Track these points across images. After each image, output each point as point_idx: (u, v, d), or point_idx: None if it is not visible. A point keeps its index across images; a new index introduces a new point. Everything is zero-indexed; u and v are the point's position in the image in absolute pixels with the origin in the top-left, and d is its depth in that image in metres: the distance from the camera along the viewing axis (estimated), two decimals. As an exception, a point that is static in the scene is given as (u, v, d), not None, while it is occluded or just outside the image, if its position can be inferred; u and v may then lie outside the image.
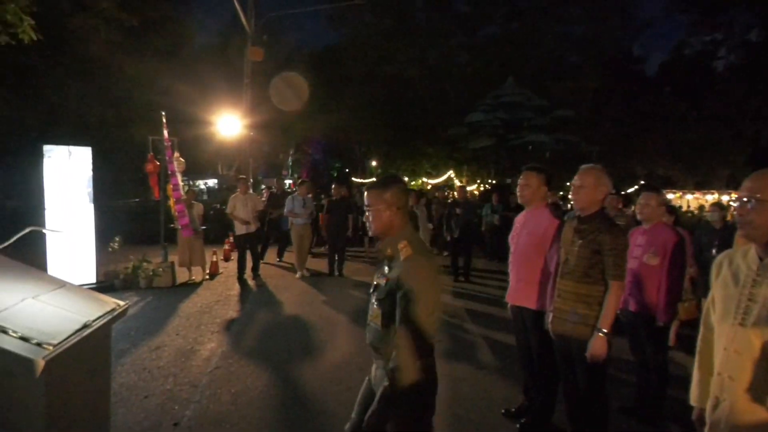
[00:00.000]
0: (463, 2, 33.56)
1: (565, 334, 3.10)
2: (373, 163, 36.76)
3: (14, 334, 1.80)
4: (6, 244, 2.29)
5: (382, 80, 30.00)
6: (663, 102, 29.73)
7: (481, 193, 25.76)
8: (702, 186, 29.51)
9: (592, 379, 3.04)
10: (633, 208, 6.40)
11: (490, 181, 28.35)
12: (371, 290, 2.27)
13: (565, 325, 3.09)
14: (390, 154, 33.74)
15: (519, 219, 3.88)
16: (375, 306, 2.19)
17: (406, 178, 32.15)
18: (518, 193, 3.81)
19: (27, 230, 2.36)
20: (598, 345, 2.89)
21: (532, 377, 3.73)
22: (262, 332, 6.14)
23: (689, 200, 26.25)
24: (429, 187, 28.69)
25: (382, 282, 2.16)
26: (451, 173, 31.02)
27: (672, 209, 5.74)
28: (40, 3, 8.74)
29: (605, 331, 2.89)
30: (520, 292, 3.71)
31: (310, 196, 10.25)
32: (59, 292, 2.37)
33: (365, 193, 2.27)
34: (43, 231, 4.21)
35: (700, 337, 2.00)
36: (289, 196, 9.82)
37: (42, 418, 1.81)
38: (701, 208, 22.56)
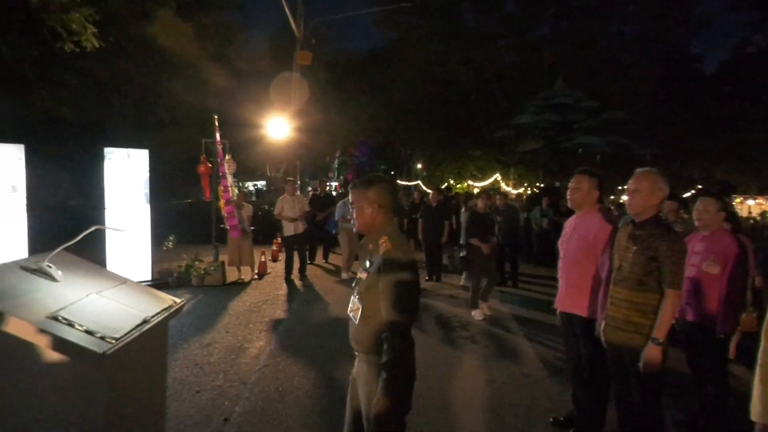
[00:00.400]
0: (512, 2, 33.10)
1: (618, 343, 3.01)
2: (419, 166, 36.71)
3: (80, 328, 1.90)
4: (72, 242, 2.40)
5: (429, 82, 29.95)
6: (723, 102, 28.44)
7: (529, 197, 25.32)
8: (766, 191, 28.03)
9: (646, 391, 2.93)
10: (684, 212, 6.11)
11: (538, 184, 27.83)
12: (353, 284, 2.35)
13: (619, 333, 2.99)
14: (435, 156, 33.60)
15: (569, 223, 3.80)
16: (356, 300, 2.26)
17: (452, 181, 31.98)
18: (568, 197, 3.73)
19: (92, 229, 2.47)
20: (652, 355, 2.79)
21: (582, 386, 3.64)
22: (308, 332, 6.22)
23: (751, 206, 24.98)
24: (475, 190, 28.39)
25: (363, 276, 2.25)
26: (497, 176, 30.60)
27: (731, 215, 5.49)
28: (102, 11, 9.19)
29: (661, 340, 2.79)
30: (570, 299, 3.63)
31: None
32: (121, 288, 2.48)
33: (350, 191, 2.37)
34: (107, 229, 4.39)
35: (761, 349, 1.90)
36: (341, 201, 9.75)
37: (104, 408, 1.89)
38: (764, 214, 21.46)
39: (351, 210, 2.33)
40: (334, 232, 10.14)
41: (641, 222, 3.00)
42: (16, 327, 1.80)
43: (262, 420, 3.84)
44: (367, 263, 2.26)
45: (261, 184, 27.35)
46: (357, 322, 2.22)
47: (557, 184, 24.57)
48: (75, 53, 8.84)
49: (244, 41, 25.00)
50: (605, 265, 3.32)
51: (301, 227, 9.19)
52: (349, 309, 2.31)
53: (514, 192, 26.47)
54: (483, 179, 31.09)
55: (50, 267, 2.26)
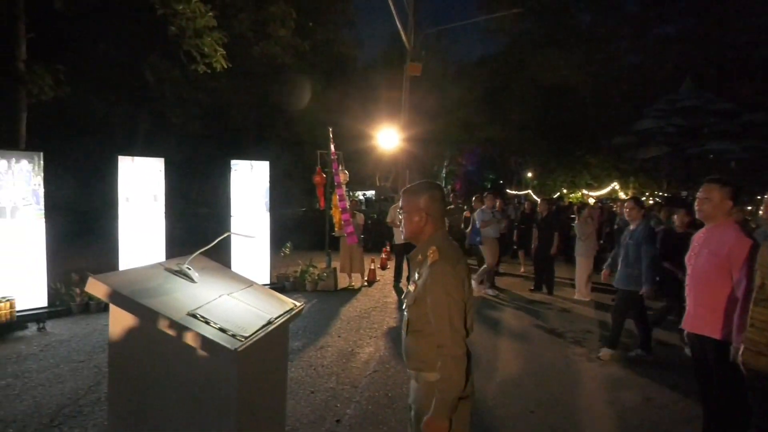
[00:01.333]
0: (633, 2, 31.23)
1: (763, 369, 2.72)
2: (529, 174, 35.69)
3: (215, 325, 2.08)
4: (207, 246, 2.64)
5: (541, 88, 29.08)
6: None
7: (650, 207, 23.58)
8: None
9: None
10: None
11: (660, 193, 25.89)
12: (402, 296, 2.24)
13: (762, 359, 2.70)
14: (547, 164, 32.49)
15: (698, 237, 3.51)
16: (405, 313, 2.17)
17: (564, 190, 30.71)
18: (696, 208, 3.44)
19: (225, 235, 2.70)
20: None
21: (715, 416, 3.33)
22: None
23: None
24: (591, 200, 27.00)
25: (412, 288, 2.13)
26: (615, 185, 28.89)
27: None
28: (229, 35, 9.98)
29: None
30: (699, 319, 3.35)
31: (497, 207, 9.86)
32: (248, 290, 2.68)
33: (401, 196, 2.26)
34: (238, 235, 4.75)
35: None
36: (479, 209, 9.41)
37: (234, 399, 2.05)
38: None
39: (399, 216, 2.25)
40: (478, 239, 9.37)
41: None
42: (162, 322, 2.01)
43: (373, 424, 3.93)
44: (416, 275, 2.15)
45: (370, 193, 28.06)
46: (406, 336, 2.14)
47: (684, 193, 22.72)
48: (206, 74, 9.67)
49: (356, 55, 25.90)
50: (742, 283, 3.03)
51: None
52: (402, 324, 2.22)
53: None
54: (599, 188, 29.53)
55: (189, 269, 2.50)
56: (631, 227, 5.55)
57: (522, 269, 11.56)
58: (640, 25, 29.35)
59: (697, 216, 3.58)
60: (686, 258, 3.54)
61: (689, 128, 23.43)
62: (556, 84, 28.61)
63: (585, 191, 30.74)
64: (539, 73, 28.50)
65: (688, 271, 3.49)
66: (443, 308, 1.94)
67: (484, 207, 9.28)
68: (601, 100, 29.15)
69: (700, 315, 3.33)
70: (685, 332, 3.47)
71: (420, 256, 2.15)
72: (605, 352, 5.63)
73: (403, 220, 2.21)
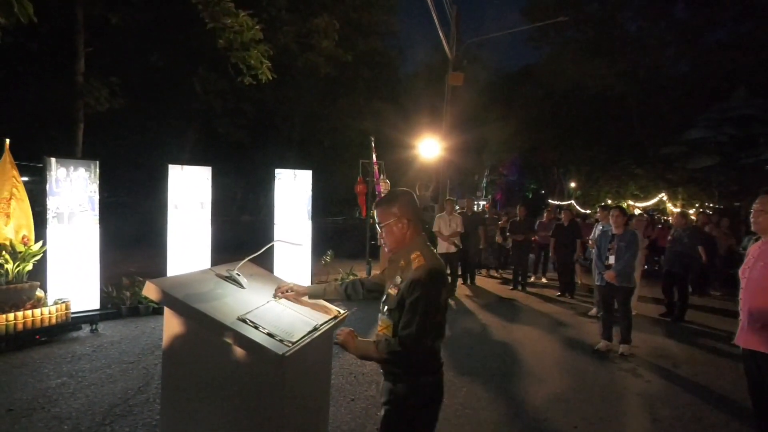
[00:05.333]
0: (682, 7, 30.28)
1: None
2: (572, 185, 35.00)
3: (263, 330, 2.14)
4: (256, 254, 2.72)
5: (585, 97, 28.53)
6: None
7: (699, 218, 22.70)
8: None
9: None
10: None
11: (711, 205, 24.91)
12: (382, 299, 2.25)
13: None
14: (591, 174, 31.78)
15: (753, 250, 3.40)
16: (385, 317, 2.17)
17: (609, 201, 29.95)
18: (752, 220, 3.34)
19: (273, 242, 2.77)
20: None
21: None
22: (457, 350, 6.22)
23: None
24: (636, 210, 26.23)
25: (393, 292, 2.12)
26: (662, 196, 27.97)
27: None
28: (274, 47, 10.23)
29: None
30: (754, 335, 3.22)
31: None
32: (294, 297, 2.74)
33: (375, 212, 2.27)
34: (286, 243, 4.85)
35: None
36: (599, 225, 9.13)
37: (281, 404, 2.10)
38: None
39: (380, 231, 2.24)
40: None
41: None
42: (213, 326, 2.08)
43: (413, 434, 3.92)
44: (398, 279, 2.13)
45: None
46: (391, 341, 2.11)
47: (737, 204, 21.81)
48: (252, 86, 9.92)
49: (398, 65, 26.09)
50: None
51: (452, 247, 9.28)
52: (377, 327, 2.23)
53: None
54: (645, 199, 28.67)
55: (238, 275, 2.58)
56: (617, 231, 6.19)
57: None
58: (690, 31, 28.44)
59: (752, 228, 3.47)
60: (740, 271, 3.43)
61: (743, 138, 22.43)
62: (600, 93, 28.02)
63: (631, 202, 29.90)
64: (583, 82, 27.99)
65: (742, 284, 3.38)
66: (421, 313, 1.98)
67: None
68: (648, 109, 28.36)
69: (756, 330, 3.20)
70: (741, 348, 3.34)
71: (402, 261, 2.16)
72: (624, 347, 6.14)
73: (384, 235, 2.22)
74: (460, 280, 10.55)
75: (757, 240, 3.44)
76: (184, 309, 2.15)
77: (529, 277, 11.33)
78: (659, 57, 28.62)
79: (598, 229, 8.64)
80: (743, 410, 4.40)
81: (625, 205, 29.94)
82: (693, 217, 20.40)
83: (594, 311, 8.60)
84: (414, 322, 1.99)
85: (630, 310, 6.27)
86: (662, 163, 26.63)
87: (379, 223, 2.23)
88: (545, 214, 12.46)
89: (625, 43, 28.73)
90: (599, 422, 4.22)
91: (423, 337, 2.01)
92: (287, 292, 2.64)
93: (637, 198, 29.50)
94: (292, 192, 8.73)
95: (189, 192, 7.58)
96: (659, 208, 27.55)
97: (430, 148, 15.29)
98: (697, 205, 27.06)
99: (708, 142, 23.12)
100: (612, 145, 29.04)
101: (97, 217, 6.77)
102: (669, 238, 8.66)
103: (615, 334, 6.31)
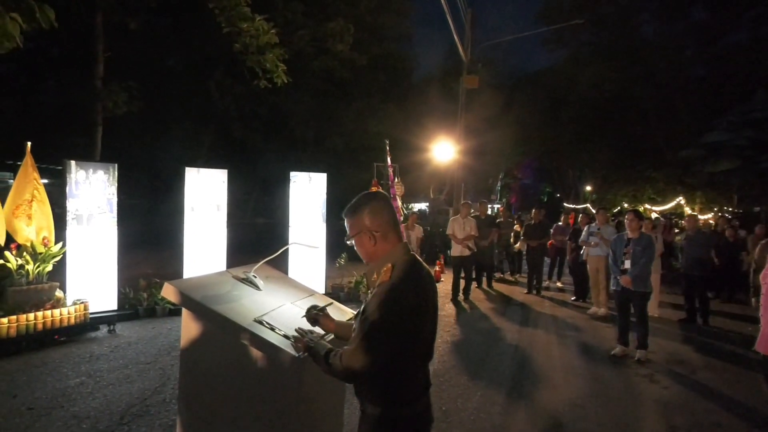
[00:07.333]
0: (701, 9, 29.84)
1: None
2: (588, 188, 34.71)
3: (279, 332, 2.15)
4: (272, 256, 2.74)
5: (601, 100, 28.29)
6: None
7: (719, 223, 22.34)
8: None
9: None
10: None
11: (730, 209, 24.52)
12: (356, 314, 1.99)
13: None
14: (608, 178, 31.48)
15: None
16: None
17: (625, 205, 29.66)
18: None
19: (289, 245, 2.79)
20: None
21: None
22: (472, 355, 6.20)
23: None
24: (653, 214, 25.90)
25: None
26: (680, 200, 27.60)
27: None
28: (290, 51, 10.29)
29: None
30: (776, 342, 3.18)
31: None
32: (309, 299, 2.76)
33: (345, 221, 1.98)
34: (302, 245, 4.87)
35: None
36: (587, 226, 8.99)
37: (296, 406, 2.11)
38: None
39: (351, 243, 1.96)
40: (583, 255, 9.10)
41: None
42: (230, 327, 2.10)
43: (427, 437, 3.91)
44: (370, 293, 1.85)
45: (424, 205, 28.04)
46: None
47: (757, 209, 21.47)
48: (267, 89, 9.99)
49: (412, 68, 26.10)
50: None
51: (467, 250, 9.25)
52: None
53: (701, 217, 23.57)
54: (663, 203, 28.32)
55: (255, 277, 2.60)
56: (633, 236, 6.10)
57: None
58: (708, 33, 28.07)
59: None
60: (761, 276, 3.38)
61: (763, 141, 22.07)
62: (616, 95, 27.77)
63: (648, 206, 29.55)
64: (599, 84, 27.77)
65: (763, 290, 3.33)
66: (366, 334, 1.70)
67: (593, 224, 8.87)
68: (666, 112, 28.04)
69: (777, 338, 3.16)
70: (762, 355, 3.29)
71: (375, 275, 1.87)
72: (641, 353, 6.03)
73: (356, 247, 1.94)
74: (474, 284, 10.52)
75: None
76: (201, 310, 2.17)
77: (544, 281, 11.27)
78: (677, 59, 28.28)
79: (588, 232, 8.69)
80: (763, 418, 4.34)
81: (642, 209, 29.63)
82: (712, 222, 20.15)
83: (593, 310, 8.65)
84: (354, 341, 1.74)
85: (646, 315, 6.18)
86: (680, 166, 26.30)
87: (347, 237, 1.97)
88: (562, 218, 12.38)
89: (642, 45, 28.44)
90: (615, 428, 4.18)
91: (358, 360, 1.71)
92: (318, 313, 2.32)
93: (654, 202, 29.17)
94: (307, 194, 8.76)
95: (205, 194, 7.66)
96: (677, 212, 27.19)
97: (444, 151, 15.29)
98: (715, 209, 26.68)
99: (727, 146, 22.77)
100: (629, 148, 28.76)
101: (116, 219, 6.87)
102: (681, 240, 8.56)
103: (631, 339, 6.25)
